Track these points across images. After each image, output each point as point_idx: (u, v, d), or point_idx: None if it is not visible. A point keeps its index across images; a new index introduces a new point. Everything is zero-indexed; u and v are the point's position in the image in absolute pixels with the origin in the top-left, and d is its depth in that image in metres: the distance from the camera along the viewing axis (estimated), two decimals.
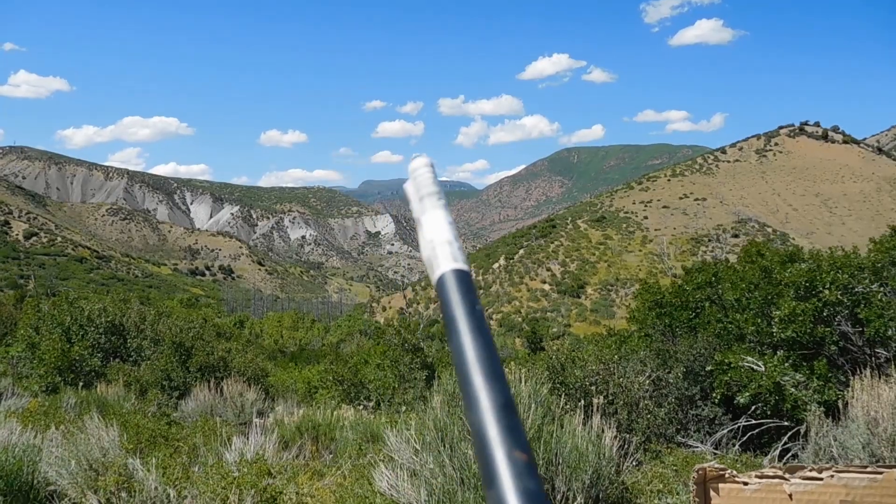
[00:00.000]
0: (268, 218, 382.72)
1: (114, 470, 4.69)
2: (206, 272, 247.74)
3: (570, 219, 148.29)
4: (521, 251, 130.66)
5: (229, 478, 5.51)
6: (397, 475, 5.38)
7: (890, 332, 7.40)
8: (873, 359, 7.23)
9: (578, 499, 4.52)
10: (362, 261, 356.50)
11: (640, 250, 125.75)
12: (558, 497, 4.65)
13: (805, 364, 7.41)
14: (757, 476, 0.62)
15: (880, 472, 0.63)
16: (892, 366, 6.37)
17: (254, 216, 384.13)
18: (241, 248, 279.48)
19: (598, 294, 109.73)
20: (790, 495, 0.63)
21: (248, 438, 7.32)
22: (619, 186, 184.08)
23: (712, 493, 0.62)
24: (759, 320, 7.97)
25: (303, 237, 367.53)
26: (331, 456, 8.50)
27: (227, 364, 13.35)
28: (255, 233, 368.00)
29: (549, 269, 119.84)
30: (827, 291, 7.40)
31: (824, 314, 7.48)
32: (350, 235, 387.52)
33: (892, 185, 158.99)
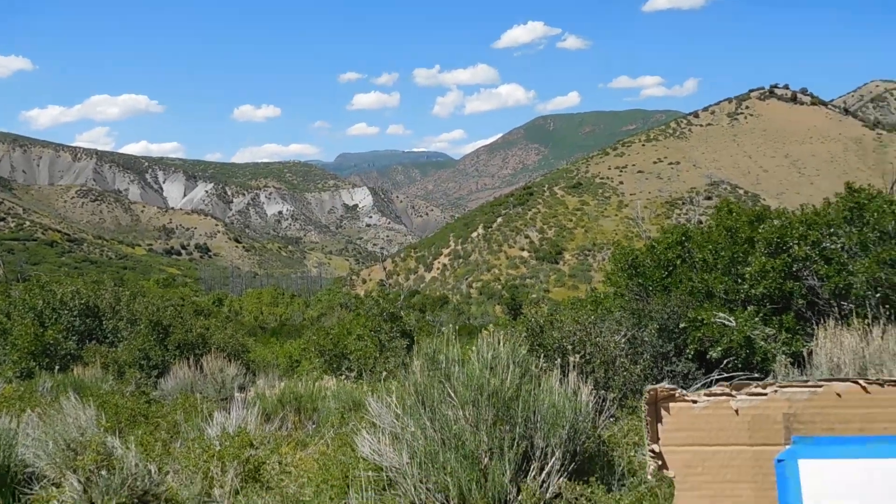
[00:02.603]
0: (243, 194, 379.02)
1: (92, 448, 4.71)
2: (182, 251, 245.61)
3: (546, 186, 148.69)
4: (499, 219, 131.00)
5: (211, 451, 5.56)
6: (379, 440, 5.45)
7: (851, 286, 7.60)
8: (838, 311, 7.43)
9: (556, 453, 4.63)
10: (341, 234, 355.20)
11: (616, 215, 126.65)
12: (537, 453, 4.75)
13: (774, 318, 7.59)
14: (706, 394, 0.68)
15: (819, 386, 0.69)
16: (854, 316, 6.55)
17: (229, 193, 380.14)
18: (216, 225, 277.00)
19: (576, 259, 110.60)
20: (736, 411, 0.69)
21: (229, 413, 7.35)
22: (595, 152, 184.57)
23: (663, 412, 0.68)
24: (727, 278, 8.13)
25: (280, 212, 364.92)
26: (313, 426, 8.58)
27: (206, 341, 13.34)
28: (230, 210, 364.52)
29: (527, 237, 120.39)
30: (797, 247, 7.56)
31: (793, 269, 7.65)
32: (328, 209, 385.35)
33: (858, 145, 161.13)
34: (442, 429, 4.93)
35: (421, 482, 4.83)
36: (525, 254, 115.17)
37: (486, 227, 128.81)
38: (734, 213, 8.97)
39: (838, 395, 0.74)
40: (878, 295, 7.65)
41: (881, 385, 0.74)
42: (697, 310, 8.01)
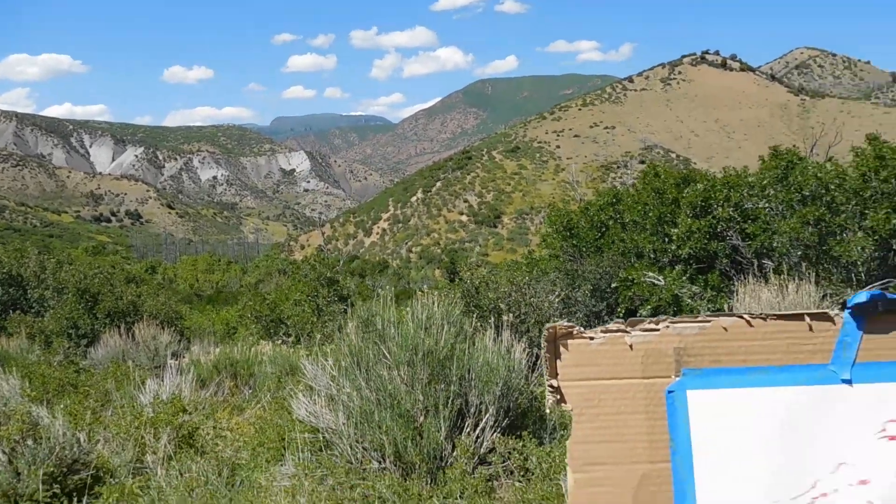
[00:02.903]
0: (175, 159, 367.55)
1: (16, 419, 4.58)
2: (112, 218, 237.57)
3: (485, 150, 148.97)
4: (438, 184, 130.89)
5: (143, 417, 5.47)
6: (315, 402, 5.46)
7: (775, 244, 7.91)
8: (759, 268, 7.74)
9: (490, 410, 4.72)
10: (278, 199, 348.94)
11: (554, 179, 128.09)
12: (472, 410, 4.84)
13: (700, 277, 7.86)
14: (602, 331, 0.71)
15: (708, 321, 0.73)
16: (773, 273, 6.84)
17: (160, 158, 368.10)
18: (148, 191, 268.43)
19: (514, 223, 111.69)
20: (630, 346, 0.72)
21: (162, 380, 7.24)
22: (533, 117, 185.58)
23: (562, 349, 0.70)
24: (656, 239, 8.36)
25: (214, 177, 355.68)
26: (250, 391, 8.52)
27: (137, 308, 13.02)
28: (162, 175, 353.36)
29: (465, 201, 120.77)
30: (720, 209, 7.81)
31: (717, 230, 7.92)
32: (264, 174, 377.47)
33: (783, 111, 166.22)
34: (377, 389, 4.97)
35: (357, 442, 4.87)
36: (464, 218, 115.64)
37: (426, 191, 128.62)
38: (661, 177, 9.19)
39: (725, 329, 0.78)
40: (798, 253, 7.99)
41: (764, 319, 0.78)
42: (628, 270, 8.22)
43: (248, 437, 5.89)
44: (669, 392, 0.78)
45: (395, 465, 4.72)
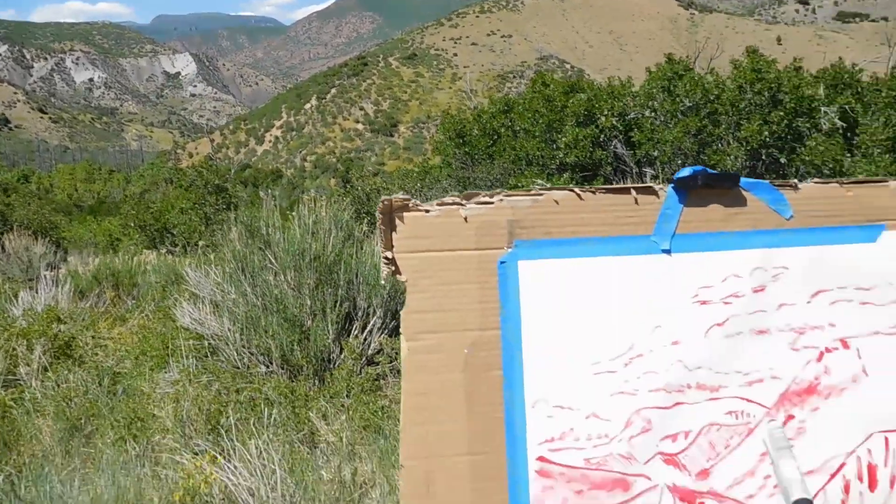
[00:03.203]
0: (45, 58, 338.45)
1: None
2: None
3: (381, 56, 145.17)
4: (333, 90, 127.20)
5: (14, 328, 5.23)
6: (200, 309, 5.37)
7: (656, 153, 8.22)
8: (640, 176, 8.05)
9: (378, 312, 4.78)
10: (162, 105, 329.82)
11: (450, 87, 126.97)
12: (359, 313, 4.89)
13: (586, 184, 8.10)
14: (438, 204, 0.72)
15: (541, 195, 0.75)
16: (651, 179, 7.14)
17: (28, 57, 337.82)
18: (15, 94, 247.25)
19: (411, 132, 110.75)
20: (465, 218, 0.74)
21: (37, 292, 6.91)
22: (430, 23, 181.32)
23: (397, 221, 0.71)
24: (545, 146, 8.51)
25: (90, 80, 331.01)
26: (133, 302, 8.26)
27: (6, 218, 12.21)
28: (31, 76, 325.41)
29: (361, 109, 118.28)
30: (604, 118, 7.99)
31: (601, 139, 8.13)
32: (146, 77, 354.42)
33: (673, 24, 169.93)
34: (263, 294, 4.93)
35: (244, 347, 4.85)
36: (360, 126, 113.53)
37: (320, 98, 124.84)
38: (550, 86, 9.28)
39: (556, 202, 0.81)
40: (679, 162, 8.34)
41: (593, 193, 0.81)
42: (518, 177, 8.36)
43: (131, 347, 5.75)
44: (501, 263, 0.80)
45: (283, 369, 4.74)
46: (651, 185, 0.83)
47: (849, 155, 7.17)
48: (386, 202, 0.78)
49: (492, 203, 0.81)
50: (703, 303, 0.84)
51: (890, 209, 0.87)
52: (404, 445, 0.79)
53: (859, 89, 7.52)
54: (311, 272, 4.87)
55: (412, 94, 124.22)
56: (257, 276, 5.02)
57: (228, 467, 3.35)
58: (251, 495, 3.21)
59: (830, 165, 6.98)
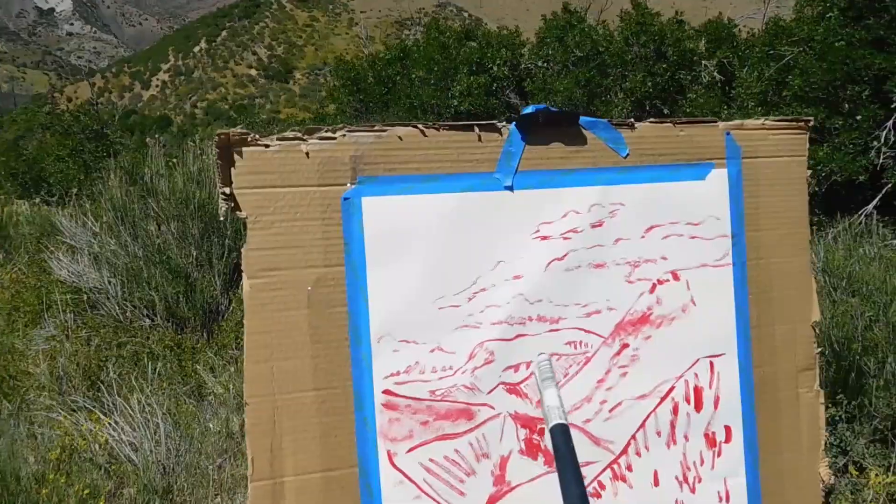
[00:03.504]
0: None
1: None
2: None
3: None
4: (224, 33, 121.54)
5: None
6: (78, 262, 5.11)
7: (548, 104, 8.35)
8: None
9: None
10: (35, 44, 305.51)
11: (347, 33, 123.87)
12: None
13: None
14: (278, 138, 0.70)
15: (385, 131, 0.75)
16: None
17: None
18: None
19: (307, 79, 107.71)
20: (307, 153, 0.73)
21: None
22: None
23: (236, 157, 0.69)
24: (440, 94, 8.48)
25: None
26: (4, 255, 7.76)
27: None
28: None
29: (254, 53, 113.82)
30: (495, 67, 8.03)
31: (494, 88, 8.17)
32: (15, 13, 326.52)
33: None
34: (145, 245, 4.74)
35: (126, 300, 4.67)
36: (253, 72, 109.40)
37: (210, 41, 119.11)
38: (445, 33, 9.22)
39: (400, 138, 0.81)
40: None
41: (437, 129, 0.82)
42: None
43: (2, 303, 5.42)
44: (345, 199, 0.80)
45: (168, 322, 4.60)
46: (494, 122, 0.84)
47: (726, 107, 7.52)
48: (223, 135, 0.76)
49: (335, 138, 0.80)
50: (544, 238, 0.88)
51: (718, 148, 0.93)
52: (248, 383, 0.79)
53: (735, 43, 7.86)
54: (196, 222, 4.71)
55: (307, 40, 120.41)
56: (139, 227, 4.82)
57: (110, 423, 3.25)
58: (134, 451, 3.13)
59: (710, 117, 7.26)
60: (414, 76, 9.75)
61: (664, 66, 7.89)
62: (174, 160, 5.10)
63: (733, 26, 8.10)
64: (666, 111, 7.78)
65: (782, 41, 6.62)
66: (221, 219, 0.62)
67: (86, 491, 2.69)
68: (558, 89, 8.36)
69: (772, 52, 6.67)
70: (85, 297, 4.85)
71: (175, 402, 3.61)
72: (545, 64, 8.76)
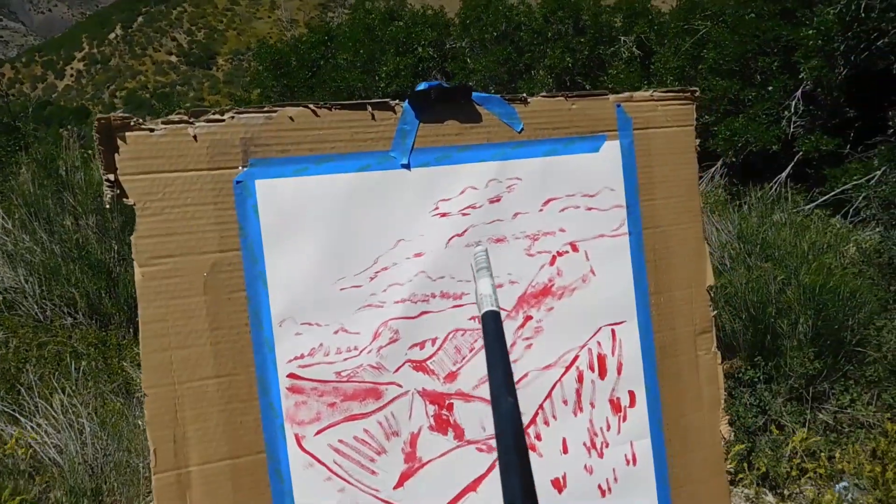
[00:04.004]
0: None
1: None
2: None
3: None
4: (140, 19, 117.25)
5: None
6: None
7: (477, 86, 8.37)
8: None
9: None
10: None
11: (270, 17, 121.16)
12: None
13: None
14: (163, 122, 0.69)
15: (275, 111, 0.74)
16: None
17: None
18: None
19: (230, 64, 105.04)
20: (195, 137, 0.71)
21: None
22: None
23: (119, 142, 0.67)
24: (367, 77, 8.41)
25: None
26: None
27: None
28: None
29: (174, 39, 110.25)
30: (420, 48, 8.00)
31: (420, 69, 8.14)
32: None
33: None
34: (62, 241, 4.58)
35: (44, 298, 4.51)
36: (174, 58, 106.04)
37: (126, 27, 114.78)
38: (371, 13, 9.12)
39: (291, 119, 0.80)
40: (493, 91, 8.53)
41: (329, 109, 0.82)
42: None
43: None
44: (237, 182, 0.79)
45: (91, 319, 4.47)
46: (387, 100, 0.84)
47: (646, 82, 7.68)
48: (103, 120, 0.74)
49: (223, 120, 0.79)
50: (443, 215, 0.88)
51: (610, 121, 0.95)
52: (146, 373, 0.77)
53: (651, 18, 8.04)
54: (116, 215, 4.57)
55: (228, 24, 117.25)
56: (55, 222, 4.65)
57: (32, 426, 3.15)
58: (59, 453, 3.04)
59: (601, 90, 7.42)
60: (340, 59, 9.63)
61: (583, 41, 8.01)
62: (90, 152, 4.93)
63: (649, 1, 8.28)
64: (587, 87, 7.90)
65: (696, 16, 6.79)
66: (107, 206, 0.61)
67: (13, 499, 2.61)
68: (478, 69, 8.39)
69: (686, 26, 6.84)
70: (0, 297, 4.67)
71: (101, 401, 3.52)
72: (466, 43, 8.77)
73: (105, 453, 3.10)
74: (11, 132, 12.08)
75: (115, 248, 4.51)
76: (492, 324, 0.82)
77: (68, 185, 4.88)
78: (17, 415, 3.25)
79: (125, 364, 3.88)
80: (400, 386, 0.88)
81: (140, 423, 3.31)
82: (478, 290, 0.87)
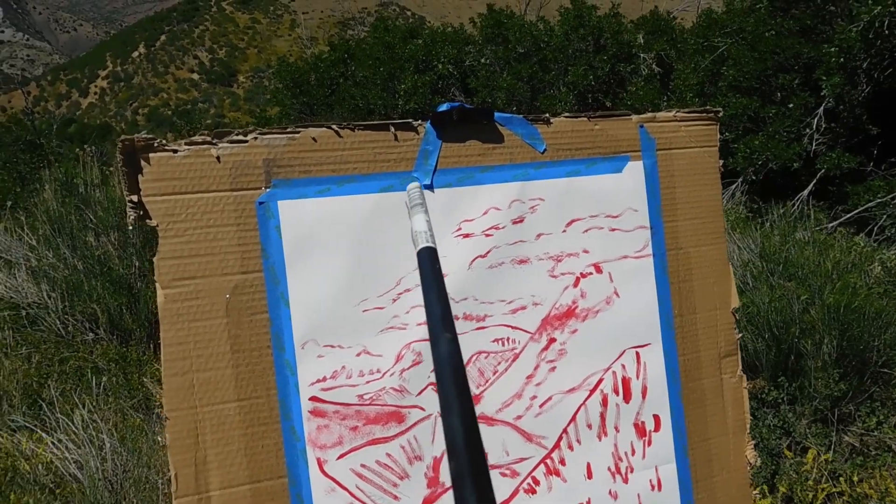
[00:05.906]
0: None
1: None
2: None
3: (213, 0, 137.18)
4: (163, 37, 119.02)
5: None
6: (15, 276, 4.96)
7: (499, 102, 8.39)
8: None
9: None
10: None
11: (290, 35, 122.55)
12: None
13: None
14: (186, 143, 0.69)
15: (298, 132, 0.74)
16: None
17: None
18: None
19: (251, 82, 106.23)
20: (218, 158, 0.71)
21: None
22: None
23: (143, 163, 0.67)
24: (385, 94, 8.45)
25: None
26: None
27: None
28: None
29: (196, 57, 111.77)
30: (440, 65, 8.03)
31: (439, 86, 8.18)
32: None
33: None
34: (85, 257, 4.63)
35: (66, 314, 4.55)
36: (196, 76, 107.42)
37: (149, 45, 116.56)
38: (391, 31, 9.18)
39: (314, 139, 0.80)
40: (514, 108, 8.56)
41: (352, 129, 0.81)
42: None
43: None
44: (260, 204, 0.79)
45: (112, 334, 4.50)
46: (409, 121, 0.84)
47: (666, 98, 7.66)
48: (127, 142, 0.74)
49: (246, 141, 0.79)
50: (466, 236, 0.88)
51: (633, 141, 0.94)
52: (167, 396, 0.77)
53: (673, 36, 8.03)
54: (136, 231, 4.62)
55: (249, 42, 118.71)
56: (77, 238, 4.70)
57: (52, 442, 3.17)
58: (79, 468, 3.05)
59: (650, 109, 7.41)
60: (359, 76, 9.69)
61: (604, 58, 8.01)
62: (111, 169, 4.99)
63: (671, 19, 8.28)
64: (608, 104, 7.90)
65: (715, 33, 6.77)
66: (130, 228, 0.60)
67: None
68: (501, 86, 8.41)
69: (706, 43, 6.82)
70: (24, 312, 4.72)
71: (121, 417, 3.54)
72: (488, 61, 8.81)
73: (124, 469, 3.11)
74: (35, 149, 12.28)
75: (136, 264, 4.55)
76: (427, 261, 0.80)
77: (89, 201, 4.94)
78: (38, 430, 3.27)
79: (145, 380, 3.90)
80: (423, 409, 0.87)
81: (159, 438, 3.32)
82: (412, 226, 0.85)
